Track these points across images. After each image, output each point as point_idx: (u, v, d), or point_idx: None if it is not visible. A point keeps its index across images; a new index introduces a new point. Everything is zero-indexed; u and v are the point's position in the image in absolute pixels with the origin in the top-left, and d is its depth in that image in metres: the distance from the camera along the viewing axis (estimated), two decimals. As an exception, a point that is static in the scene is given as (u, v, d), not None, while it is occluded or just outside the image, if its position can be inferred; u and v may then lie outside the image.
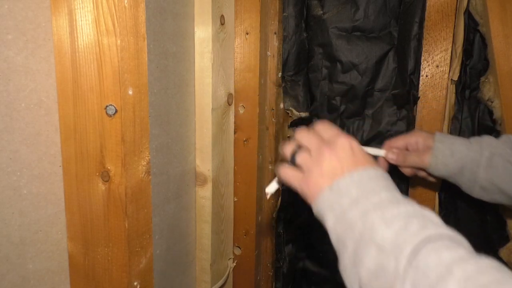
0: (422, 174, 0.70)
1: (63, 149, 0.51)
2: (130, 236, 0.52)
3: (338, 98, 0.92)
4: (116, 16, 0.47)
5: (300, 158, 0.48)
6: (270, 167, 0.95)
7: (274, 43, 0.89)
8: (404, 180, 0.89)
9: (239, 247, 0.92)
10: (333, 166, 0.44)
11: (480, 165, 0.62)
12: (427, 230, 0.35)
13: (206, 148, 0.77)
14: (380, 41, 0.87)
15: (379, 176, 0.43)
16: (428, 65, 0.81)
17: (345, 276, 0.40)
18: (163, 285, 0.72)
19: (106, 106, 0.49)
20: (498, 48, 0.76)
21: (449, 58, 0.79)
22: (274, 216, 0.97)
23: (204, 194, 0.79)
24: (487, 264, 0.32)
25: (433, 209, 0.83)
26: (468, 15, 0.80)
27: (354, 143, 0.46)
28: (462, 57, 0.80)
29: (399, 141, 0.69)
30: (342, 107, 0.93)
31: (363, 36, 0.88)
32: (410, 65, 0.83)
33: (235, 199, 0.90)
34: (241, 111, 0.86)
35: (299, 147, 0.49)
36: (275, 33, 0.89)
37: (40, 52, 0.48)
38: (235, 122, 0.86)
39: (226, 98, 0.81)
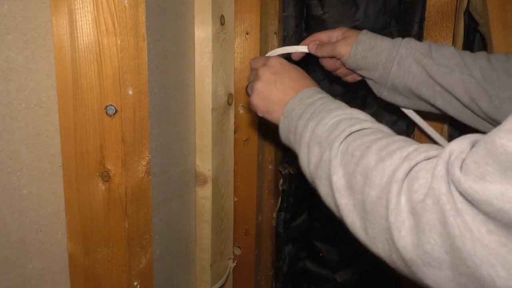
0: (341, 71, 0.71)
1: (63, 149, 0.51)
2: (130, 236, 0.52)
3: (338, 98, 0.92)
4: (116, 16, 0.47)
5: (256, 98, 0.60)
6: (270, 167, 0.95)
7: (274, 43, 0.89)
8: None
9: (239, 247, 0.92)
10: (280, 98, 0.57)
11: (393, 62, 0.63)
12: (353, 126, 0.45)
13: (206, 148, 0.77)
14: (380, 41, 0.87)
15: (315, 92, 0.55)
16: (428, 65, 0.81)
17: (304, 172, 0.53)
18: (163, 285, 0.72)
19: (106, 106, 0.49)
20: (498, 48, 0.76)
21: (449, 58, 0.79)
22: (274, 216, 0.97)
23: (204, 194, 0.79)
24: (398, 138, 0.41)
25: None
26: (468, 15, 0.80)
27: (288, 75, 0.58)
28: (462, 57, 0.80)
29: (323, 34, 0.71)
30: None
31: (363, 36, 0.88)
32: (410, 65, 0.83)
33: (235, 199, 0.90)
34: (241, 111, 0.86)
35: (256, 77, 0.60)
36: (275, 33, 0.89)
37: (40, 52, 0.48)
38: (235, 122, 0.86)
39: (226, 98, 0.81)
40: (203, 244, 0.81)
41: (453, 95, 0.61)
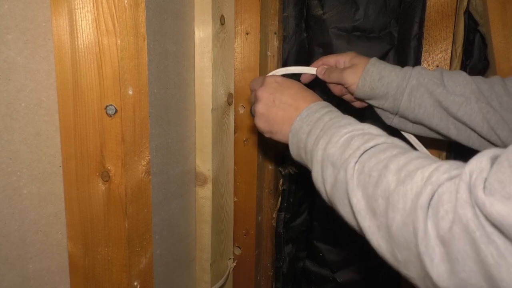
0: (347, 97, 0.70)
1: (63, 149, 0.51)
2: (130, 236, 0.52)
3: (338, 98, 0.92)
4: (116, 16, 0.47)
5: (259, 121, 0.59)
6: (270, 167, 0.95)
7: (274, 43, 0.89)
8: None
9: (239, 247, 0.92)
10: (281, 117, 0.56)
11: (404, 93, 0.61)
12: (367, 143, 0.43)
13: (206, 148, 0.77)
14: (380, 41, 0.87)
15: (321, 106, 0.53)
16: (428, 65, 0.81)
17: (319, 191, 0.49)
18: (163, 285, 0.72)
19: (106, 106, 0.49)
20: (498, 48, 0.76)
21: (449, 58, 0.79)
22: (274, 216, 0.97)
23: (204, 194, 0.79)
24: (415, 155, 0.39)
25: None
26: (468, 15, 0.80)
27: (286, 93, 0.57)
28: (462, 57, 0.80)
29: (330, 59, 0.69)
30: (342, 107, 0.93)
31: (363, 36, 0.88)
32: (410, 65, 0.83)
33: (235, 199, 0.90)
34: (241, 111, 0.86)
35: (256, 98, 0.59)
36: (275, 33, 0.89)
37: (40, 52, 0.48)
38: (235, 122, 0.86)
39: (226, 98, 0.81)
40: (203, 244, 0.81)
41: (469, 126, 0.58)
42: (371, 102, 0.66)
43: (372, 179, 0.39)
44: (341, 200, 0.43)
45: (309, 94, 0.57)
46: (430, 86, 0.60)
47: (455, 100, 0.58)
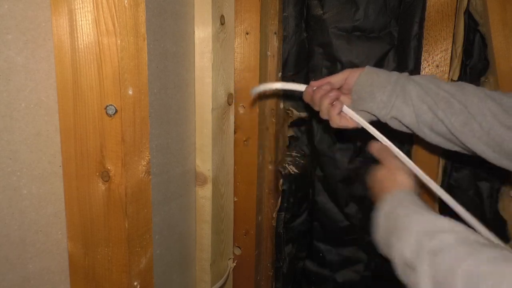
0: (334, 117, 0.68)
1: (63, 149, 0.51)
2: (130, 236, 0.52)
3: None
4: (116, 16, 0.47)
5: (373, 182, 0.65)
6: (270, 167, 0.95)
7: (274, 43, 0.89)
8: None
9: (239, 247, 0.92)
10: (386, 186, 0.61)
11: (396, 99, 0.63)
12: (432, 241, 0.45)
13: (206, 148, 0.77)
14: (380, 41, 0.87)
15: (407, 196, 0.58)
16: (428, 65, 0.81)
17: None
18: (163, 285, 0.72)
19: (106, 106, 0.49)
20: (498, 48, 0.76)
21: (449, 58, 0.79)
22: (274, 216, 0.97)
23: (204, 194, 0.79)
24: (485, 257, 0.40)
25: (433, 210, 0.83)
26: (468, 15, 0.80)
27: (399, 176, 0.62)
28: (462, 57, 0.80)
29: (335, 78, 0.67)
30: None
31: (363, 36, 0.88)
32: (410, 65, 0.83)
33: (235, 199, 0.90)
34: (241, 111, 0.86)
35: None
36: (275, 33, 0.89)
37: (40, 52, 0.48)
38: (235, 122, 0.86)
39: (226, 98, 0.81)
40: (203, 244, 0.81)
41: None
42: (362, 102, 0.66)
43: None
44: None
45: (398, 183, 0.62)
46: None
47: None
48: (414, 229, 0.49)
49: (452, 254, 0.42)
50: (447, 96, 0.61)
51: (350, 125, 0.67)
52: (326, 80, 0.67)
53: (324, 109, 0.66)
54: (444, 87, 0.62)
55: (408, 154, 0.89)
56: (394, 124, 0.67)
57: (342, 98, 0.67)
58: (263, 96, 0.88)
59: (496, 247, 0.42)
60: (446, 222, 0.48)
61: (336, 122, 0.66)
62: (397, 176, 0.62)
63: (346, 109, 0.65)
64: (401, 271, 0.50)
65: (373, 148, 0.67)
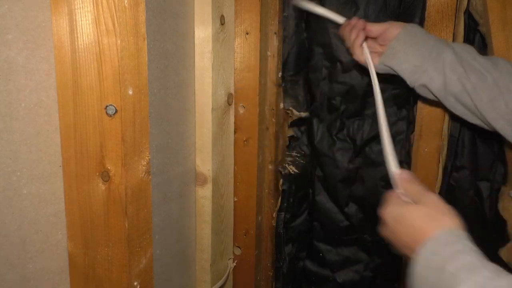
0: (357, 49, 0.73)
1: (63, 149, 0.51)
2: (130, 236, 0.52)
3: (338, 98, 0.92)
4: (116, 16, 0.47)
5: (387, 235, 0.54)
6: (270, 167, 0.95)
7: (274, 43, 0.89)
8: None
9: (239, 247, 0.92)
10: (411, 239, 0.48)
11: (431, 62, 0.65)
12: None
13: (206, 148, 0.77)
14: (380, 41, 0.87)
15: (453, 239, 0.45)
16: (428, 65, 0.80)
17: None
18: (163, 285, 0.72)
19: (106, 106, 0.49)
20: (498, 48, 0.76)
21: (449, 58, 0.79)
22: (274, 216, 0.97)
23: (204, 194, 0.79)
24: None
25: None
26: (468, 15, 0.80)
27: (423, 210, 0.49)
28: (462, 57, 0.80)
29: (376, 27, 0.72)
30: (342, 107, 0.93)
31: (363, 36, 0.88)
32: (410, 65, 0.83)
33: (235, 199, 0.90)
34: (241, 111, 0.86)
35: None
36: (275, 33, 0.89)
37: (40, 52, 0.48)
38: (235, 122, 0.86)
39: (226, 98, 0.81)
40: (203, 244, 0.81)
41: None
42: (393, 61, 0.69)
43: None
44: None
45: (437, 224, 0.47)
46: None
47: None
48: None
49: None
50: (481, 69, 0.62)
51: (360, 61, 0.73)
52: (364, 25, 0.72)
53: (351, 39, 0.73)
54: (480, 60, 0.63)
55: (408, 154, 0.89)
56: (422, 92, 0.69)
57: (374, 46, 0.72)
58: (263, 96, 0.88)
59: None
60: (505, 283, 0.38)
61: (355, 51, 0.73)
62: (435, 213, 0.48)
63: (365, 46, 0.72)
64: None
65: (398, 178, 0.57)
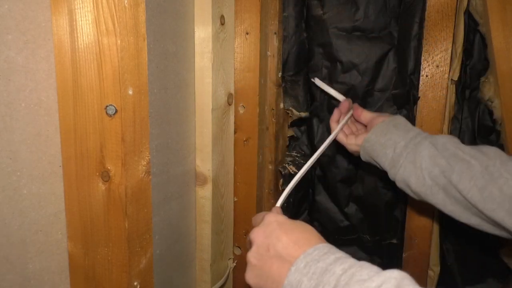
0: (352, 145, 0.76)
1: (63, 149, 0.51)
2: (130, 236, 0.52)
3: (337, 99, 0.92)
4: (116, 16, 0.47)
5: (249, 274, 0.48)
6: (270, 167, 0.95)
7: (274, 43, 0.89)
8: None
9: (239, 247, 0.92)
10: (283, 270, 0.42)
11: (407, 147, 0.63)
12: None
13: (206, 148, 0.77)
14: (380, 41, 0.87)
15: (323, 252, 0.42)
16: (428, 65, 0.81)
17: None
18: (163, 285, 0.72)
19: (106, 106, 0.49)
20: (498, 48, 0.76)
21: (449, 58, 0.79)
22: (274, 216, 0.97)
23: (204, 194, 0.79)
24: None
25: (433, 210, 0.83)
26: (468, 15, 0.80)
27: (286, 237, 0.44)
28: (462, 57, 0.80)
29: (366, 114, 0.75)
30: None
31: (363, 36, 0.88)
32: (410, 65, 0.83)
33: (235, 199, 0.90)
34: (241, 111, 0.86)
35: (250, 242, 0.49)
36: (275, 33, 0.89)
37: (40, 52, 0.48)
38: (235, 122, 0.86)
39: (226, 98, 0.81)
40: (203, 244, 0.81)
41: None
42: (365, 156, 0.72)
43: None
44: None
45: (315, 237, 0.45)
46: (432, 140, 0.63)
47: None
48: (372, 286, 0.36)
49: None
50: (466, 157, 0.56)
51: (347, 145, 0.77)
52: (356, 110, 0.77)
53: (333, 114, 0.80)
54: (464, 148, 0.58)
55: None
56: (403, 187, 0.64)
57: (361, 129, 0.77)
58: (263, 96, 0.88)
59: None
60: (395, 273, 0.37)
61: (331, 126, 0.79)
62: (309, 230, 0.46)
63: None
64: None
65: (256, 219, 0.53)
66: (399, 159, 0.62)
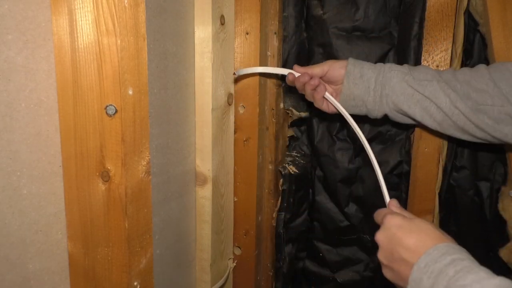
0: (318, 99, 0.74)
1: (63, 149, 0.51)
2: (130, 236, 0.52)
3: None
4: (116, 16, 0.47)
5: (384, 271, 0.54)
6: (270, 167, 0.95)
7: (274, 43, 0.89)
8: (405, 182, 0.89)
9: (239, 247, 0.92)
10: (406, 273, 0.49)
11: (384, 84, 0.69)
12: None
13: (206, 148, 0.77)
14: (380, 41, 0.87)
15: (442, 252, 0.46)
16: (428, 65, 0.81)
17: None
18: (163, 285, 0.72)
19: (106, 106, 0.49)
20: (498, 48, 0.76)
21: (449, 58, 0.79)
22: (274, 216, 0.97)
23: (204, 194, 0.79)
24: None
25: (433, 210, 0.83)
26: (468, 15, 0.80)
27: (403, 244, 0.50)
28: (462, 57, 0.80)
29: (317, 69, 0.73)
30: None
31: (363, 36, 0.88)
32: (410, 65, 0.83)
33: (235, 199, 0.90)
34: (241, 111, 0.86)
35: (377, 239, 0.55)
36: (275, 33, 0.89)
37: (40, 52, 0.48)
38: (235, 122, 0.86)
39: (226, 98, 0.81)
40: (203, 244, 0.81)
41: (434, 102, 0.66)
42: (359, 106, 0.72)
43: None
44: None
45: (433, 236, 0.49)
46: (401, 75, 0.69)
47: (421, 84, 0.67)
48: None
49: None
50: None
51: (330, 110, 0.75)
52: (307, 70, 0.73)
53: (308, 93, 0.73)
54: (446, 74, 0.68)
55: (408, 154, 0.89)
56: (390, 111, 0.71)
57: (323, 85, 0.73)
58: (263, 96, 0.88)
59: None
60: (498, 280, 0.41)
61: (319, 104, 0.74)
62: (426, 230, 0.50)
63: (328, 95, 0.73)
64: None
65: (379, 215, 0.59)
66: (378, 79, 0.70)
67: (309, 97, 0.75)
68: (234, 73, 0.80)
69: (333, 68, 0.72)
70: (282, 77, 0.93)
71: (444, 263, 0.45)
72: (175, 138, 0.71)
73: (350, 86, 0.70)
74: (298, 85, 0.74)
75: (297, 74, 0.73)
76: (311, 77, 0.71)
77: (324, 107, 0.74)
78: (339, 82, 0.72)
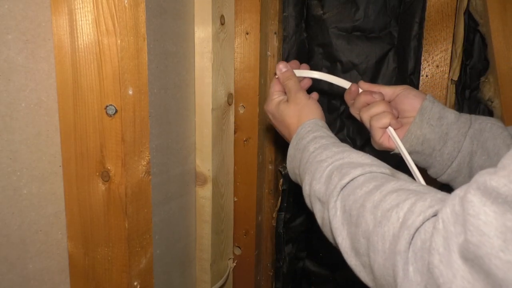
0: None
1: (63, 149, 0.51)
2: (130, 236, 0.52)
3: (338, 98, 0.92)
4: (116, 16, 0.47)
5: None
6: (270, 167, 0.95)
7: (274, 43, 0.89)
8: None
9: (239, 247, 0.92)
10: (286, 132, 0.60)
11: (467, 135, 0.54)
12: (343, 179, 0.43)
13: (206, 148, 0.77)
14: (380, 41, 0.87)
15: (307, 130, 0.54)
16: (428, 65, 0.81)
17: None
18: (163, 285, 0.72)
19: (106, 106, 0.49)
20: (498, 48, 0.76)
21: (449, 58, 0.79)
22: (274, 216, 0.97)
23: (204, 194, 0.79)
24: (391, 189, 0.38)
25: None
26: (468, 15, 0.80)
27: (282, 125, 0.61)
28: (462, 57, 0.80)
29: (388, 90, 0.60)
30: (342, 107, 0.93)
31: (363, 36, 0.88)
32: (410, 65, 0.83)
33: (235, 199, 0.90)
34: (241, 111, 0.86)
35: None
36: (275, 33, 0.89)
37: (40, 52, 0.48)
38: (235, 122, 0.86)
39: (226, 98, 0.81)
40: (203, 244, 0.81)
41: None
42: (424, 150, 0.56)
43: (353, 218, 0.40)
44: (328, 235, 0.45)
45: (310, 111, 0.58)
46: (495, 130, 0.53)
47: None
48: (324, 165, 0.47)
49: (362, 190, 0.40)
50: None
51: (383, 146, 0.58)
52: (378, 88, 0.60)
53: (366, 117, 0.57)
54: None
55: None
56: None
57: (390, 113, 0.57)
58: (263, 96, 0.88)
59: (399, 180, 0.40)
60: (355, 157, 0.46)
61: (378, 136, 0.57)
62: (306, 107, 0.58)
63: (391, 130, 0.56)
64: (309, 202, 0.50)
65: (280, 74, 0.64)
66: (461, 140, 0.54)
67: (365, 122, 0.58)
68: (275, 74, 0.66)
69: (407, 93, 0.58)
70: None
71: (308, 139, 0.52)
72: (175, 138, 0.71)
73: (423, 125, 0.55)
74: (361, 101, 0.59)
75: (360, 89, 0.61)
76: (383, 100, 0.58)
77: (376, 137, 0.57)
78: (407, 114, 0.58)
